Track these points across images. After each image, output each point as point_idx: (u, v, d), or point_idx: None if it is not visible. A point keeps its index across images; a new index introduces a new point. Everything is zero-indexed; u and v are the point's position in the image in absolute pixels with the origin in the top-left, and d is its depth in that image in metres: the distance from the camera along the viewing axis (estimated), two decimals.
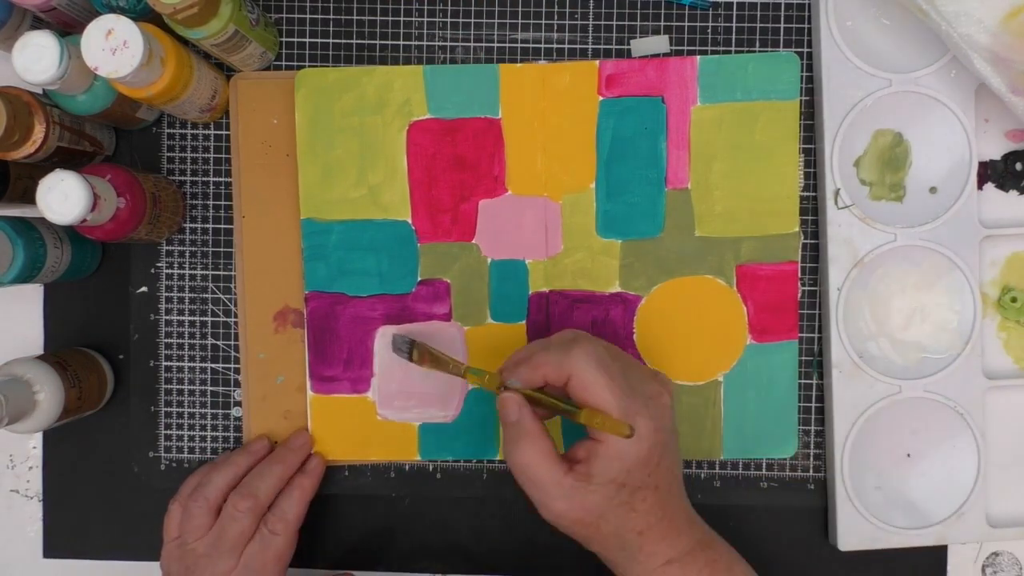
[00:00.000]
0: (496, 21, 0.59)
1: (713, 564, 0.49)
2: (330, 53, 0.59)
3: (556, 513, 0.46)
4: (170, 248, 0.59)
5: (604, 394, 0.45)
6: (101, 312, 0.60)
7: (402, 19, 0.59)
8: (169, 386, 0.60)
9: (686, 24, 0.58)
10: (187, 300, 0.59)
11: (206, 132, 0.59)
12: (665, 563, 0.47)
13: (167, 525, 0.54)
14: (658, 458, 0.46)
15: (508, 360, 0.49)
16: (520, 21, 0.59)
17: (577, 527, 0.47)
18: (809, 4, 0.58)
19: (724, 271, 0.57)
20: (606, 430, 0.45)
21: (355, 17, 0.59)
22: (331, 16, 0.59)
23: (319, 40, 0.59)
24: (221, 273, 0.59)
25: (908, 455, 0.57)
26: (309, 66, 0.58)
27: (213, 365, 0.59)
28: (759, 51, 0.58)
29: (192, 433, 0.59)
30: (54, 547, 0.60)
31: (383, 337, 0.57)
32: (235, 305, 0.59)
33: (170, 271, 0.59)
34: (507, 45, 0.59)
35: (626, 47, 0.58)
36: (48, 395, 0.53)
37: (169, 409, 0.60)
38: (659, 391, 0.48)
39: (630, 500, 0.46)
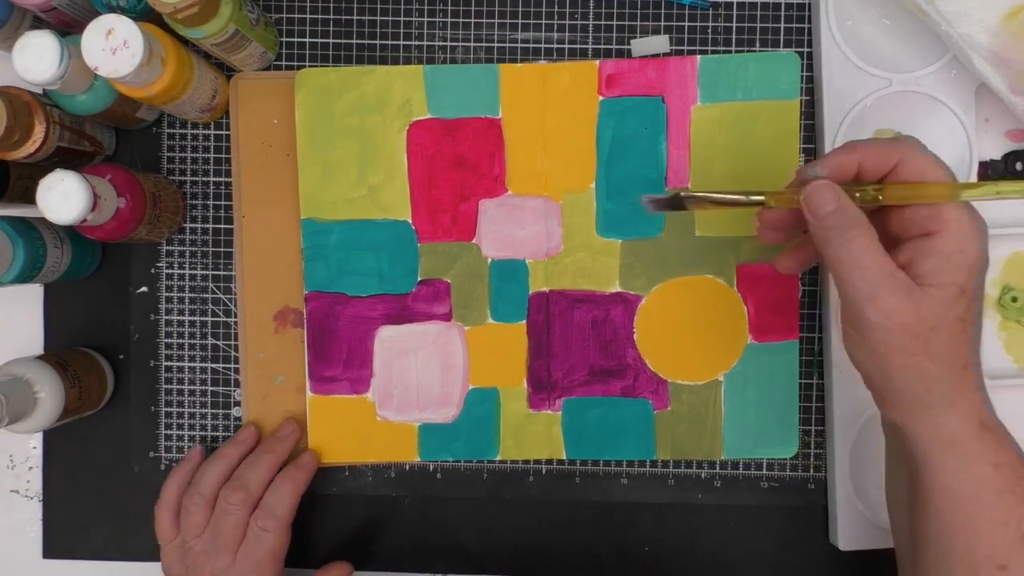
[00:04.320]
0: (496, 21, 0.59)
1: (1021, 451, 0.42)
2: (330, 53, 0.59)
3: (885, 311, 0.39)
4: (170, 248, 0.59)
5: (937, 177, 0.40)
6: (101, 312, 0.60)
7: (402, 19, 0.59)
8: (169, 386, 0.60)
9: (686, 24, 0.58)
10: (187, 300, 0.59)
11: (206, 132, 0.59)
12: (980, 426, 0.41)
13: (159, 531, 0.54)
14: (984, 271, 0.40)
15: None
16: (520, 21, 0.59)
17: (904, 336, 0.39)
18: (809, 4, 0.58)
19: (724, 271, 0.57)
20: (938, 197, 0.39)
21: (355, 17, 0.59)
22: (331, 16, 0.59)
23: (319, 40, 0.59)
24: (221, 273, 0.59)
25: None
26: (309, 66, 0.59)
27: (213, 365, 0.59)
28: (759, 51, 0.58)
29: (192, 433, 0.59)
30: (54, 547, 0.60)
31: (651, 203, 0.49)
32: (235, 305, 0.59)
33: (170, 271, 0.59)
34: (507, 45, 0.59)
35: (626, 47, 0.58)
36: (48, 395, 0.53)
37: (169, 409, 0.60)
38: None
39: (965, 315, 0.40)
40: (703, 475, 0.59)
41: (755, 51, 0.58)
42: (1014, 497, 0.41)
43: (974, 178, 0.56)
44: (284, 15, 0.59)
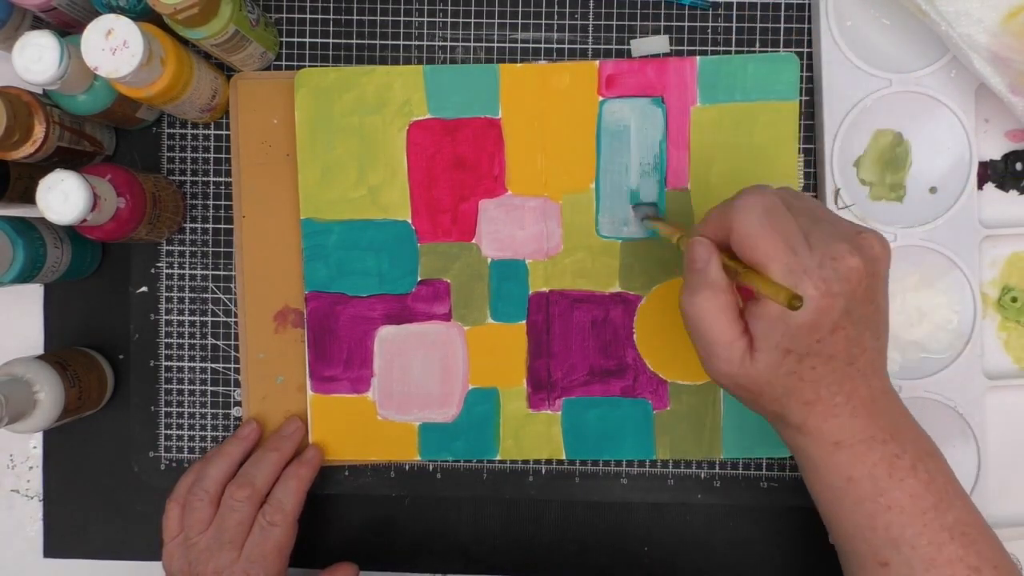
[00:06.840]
0: (496, 21, 0.59)
1: (893, 460, 0.43)
2: (330, 53, 0.59)
3: (719, 374, 0.43)
4: (170, 248, 0.59)
5: (764, 248, 0.40)
6: (101, 312, 0.60)
7: (402, 19, 0.59)
8: (169, 386, 0.60)
9: (686, 24, 0.58)
10: (187, 300, 0.59)
11: (206, 132, 0.59)
12: (833, 445, 0.43)
13: (166, 525, 0.54)
14: (831, 326, 0.41)
15: None
16: (520, 21, 0.59)
17: (740, 392, 0.44)
18: (809, 4, 0.58)
19: None
20: (765, 294, 0.40)
21: (355, 17, 0.59)
22: (331, 16, 0.59)
23: (319, 40, 0.59)
24: (221, 273, 0.59)
25: None
26: (309, 66, 0.59)
27: (213, 365, 0.59)
28: (759, 51, 0.58)
29: (192, 433, 0.59)
30: (54, 547, 0.60)
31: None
32: (235, 305, 0.59)
33: (170, 271, 0.60)
34: (507, 45, 0.59)
35: (626, 47, 0.58)
36: (48, 395, 0.53)
37: (169, 409, 0.60)
38: (846, 252, 0.41)
39: (797, 368, 0.41)
40: (702, 475, 0.59)
41: (755, 51, 0.58)
42: (875, 506, 0.43)
43: (974, 178, 0.56)
44: (284, 15, 0.59)
